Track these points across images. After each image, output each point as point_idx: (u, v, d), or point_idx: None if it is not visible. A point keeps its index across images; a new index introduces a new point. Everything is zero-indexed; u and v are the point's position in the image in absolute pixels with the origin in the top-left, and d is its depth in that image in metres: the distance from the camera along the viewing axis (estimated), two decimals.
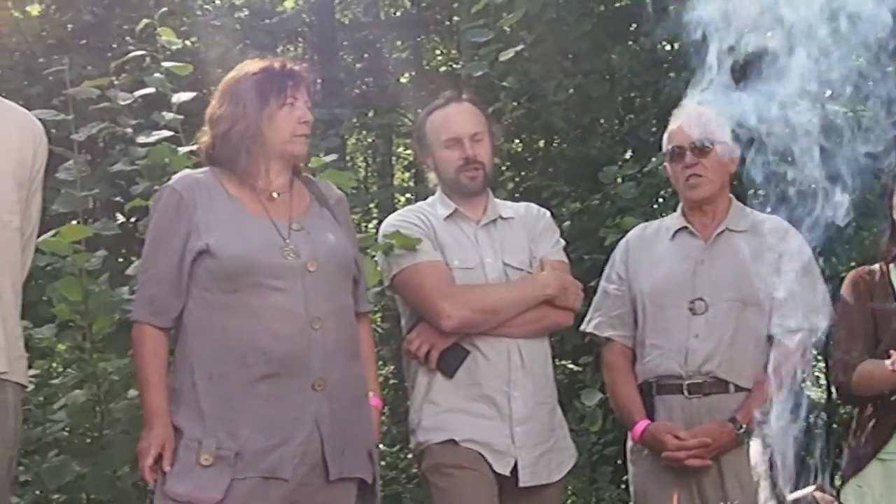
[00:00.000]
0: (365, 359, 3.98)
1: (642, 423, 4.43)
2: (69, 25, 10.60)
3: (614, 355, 4.61)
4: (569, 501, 8.01)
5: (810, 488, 2.80)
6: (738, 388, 4.34)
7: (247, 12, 13.10)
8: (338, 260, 3.85)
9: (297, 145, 3.89)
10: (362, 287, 4.07)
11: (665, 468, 4.38)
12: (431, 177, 4.66)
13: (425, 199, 4.78)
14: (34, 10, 10.64)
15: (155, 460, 3.67)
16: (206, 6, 12.87)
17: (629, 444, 4.60)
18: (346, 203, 4.13)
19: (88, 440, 5.05)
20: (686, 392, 4.37)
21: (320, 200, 3.98)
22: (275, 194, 3.87)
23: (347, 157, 12.77)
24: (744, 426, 4.24)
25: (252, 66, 3.92)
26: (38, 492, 5.10)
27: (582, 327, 4.70)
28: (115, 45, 9.74)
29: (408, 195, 9.92)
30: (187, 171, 4.10)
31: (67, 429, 5.03)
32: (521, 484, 4.32)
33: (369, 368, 4.04)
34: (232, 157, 3.85)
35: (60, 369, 5.22)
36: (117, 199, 7.39)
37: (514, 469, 4.33)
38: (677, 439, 4.31)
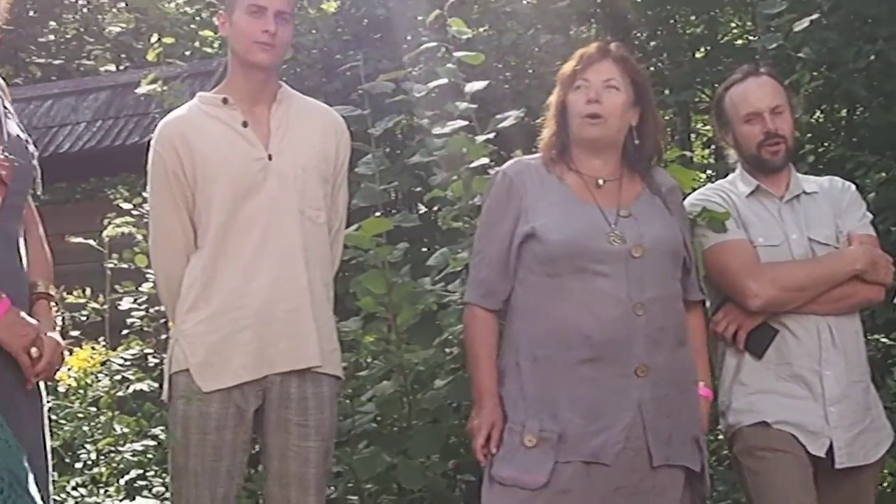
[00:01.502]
0: (695, 348, 3.92)
1: None
2: (364, 21, 10.79)
3: None
4: (885, 482, 7.70)
5: None
6: None
7: None
8: (664, 247, 3.80)
9: None
10: (693, 275, 4.00)
11: None
12: (731, 154, 4.54)
13: (725, 176, 4.65)
14: (329, 7, 10.87)
15: (485, 440, 3.71)
16: None
17: None
18: (679, 191, 4.08)
19: (397, 430, 5.12)
20: None
21: (652, 188, 3.94)
22: (601, 181, 3.85)
23: None
24: None
25: None
26: (349, 483, 5.20)
27: None
28: (408, 38, 9.85)
29: (708, 172, 9.72)
30: (520, 156, 4.12)
31: (376, 420, 5.11)
32: (837, 465, 4.17)
33: (700, 358, 3.96)
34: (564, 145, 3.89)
35: (368, 361, 5.30)
36: (417, 188, 7.49)
37: (829, 450, 4.17)
38: None
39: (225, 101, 3.97)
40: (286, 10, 3.95)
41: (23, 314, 3.23)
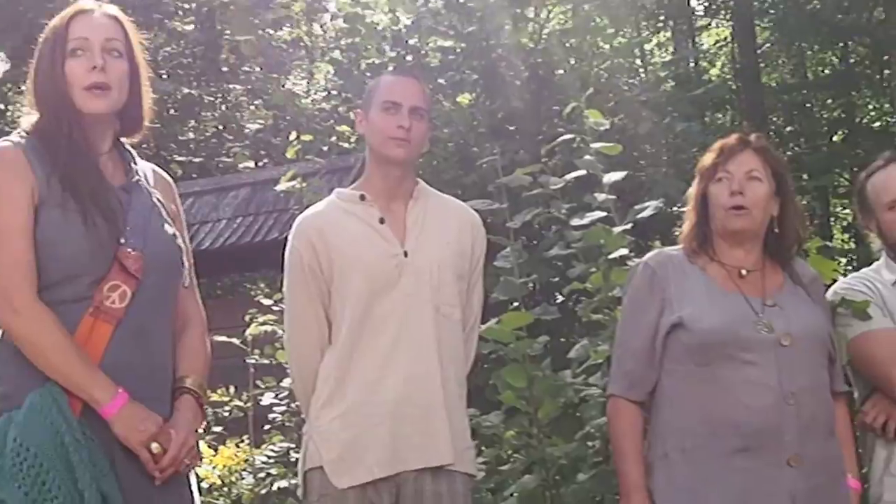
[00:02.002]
0: (842, 439, 3.85)
1: None
2: (499, 113, 10.86)
3: None
4: None
5: None
6: None
7: (672, 84, 13.11)
8: (812, 336, 3.76)
9: None
10: (838, 365, 3.93)
11: None
12: (874, 241, 4.44)
13: (867, 262, 4.56)
14: (465, 100, 10.98)
15: None
16: (631, 81, 12.95)
17: None
18: (821, 281, 4.04)
19: None
20: None
21: (793, 278, 3.91)
22: (744, 271, 3.83)
23: None
24: None
25: None
26: None
27: None
28: (544, 128, 9.89)
29: (849, 256, 9.56)
30: (661, 247, 4.10)
31: None
32: None
33: (847, 448, 3.89)
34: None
35: (509, 455, 5.26)
36: (555, 279, 7.46)
37: None
38: None
39: (362, 197, 3.99)
40: (421, 106, 3.97)
41: (143, 409, 3.24)
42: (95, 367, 3.17)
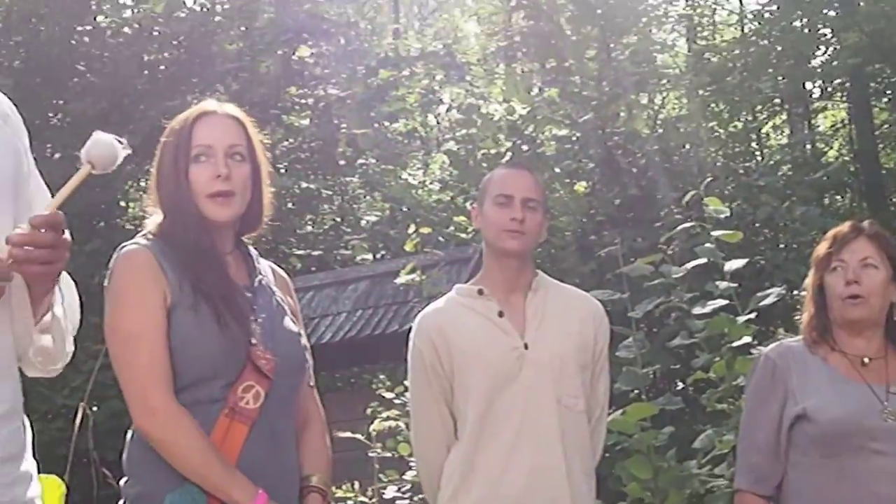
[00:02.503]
0: None
1: None
2: (616, 200, 10.86)
3: None
4: None
5: None
6: None
7: (789, 167, 13.00)
8: None
9: None
10: None
11: None
12: None
13: None
14: (581, 188, 10.99)
15: None
16: (747, 165, 12.89)
17: None
18: None
19: None
20: None
21: None
22: (866, 360, 3.78)
23: None
24: None
25: None
26: None
27: None
28: (662, 215, 9.87)
29: None
30: (783, 340, 4.07)
31: None
32: None
33: None
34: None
35: None
36: (677, 367, 7.40)
37: None
38: None
39: (480, 291, 4.01)
40: (534, 198, 3.99)
41: None
42: (233, 467, 3.20)
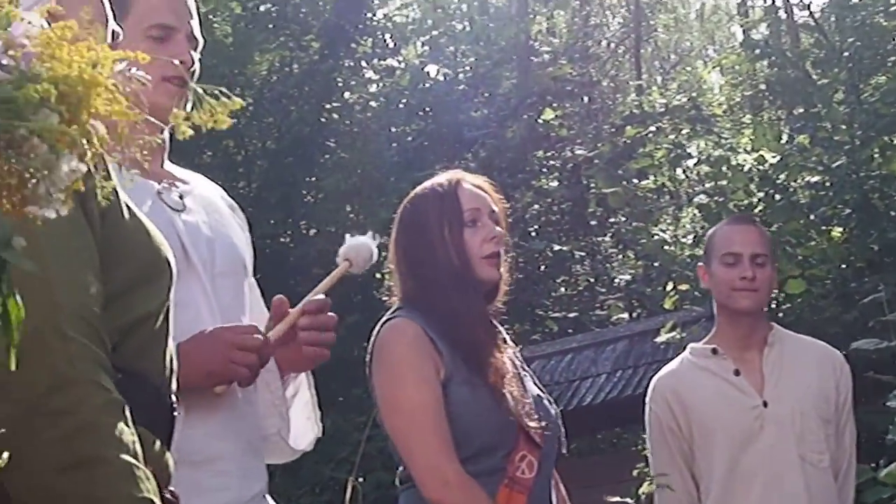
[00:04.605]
0: None
1: None
2: (875, 245, 10.57)
3: None
4: None
5: None
6: None
7: None
8: None
9: None
10: None
11: None
12: None
13: None
14: (837, 234, 10.74)
15: None
16: None
17: None
18: None
19: None
20: None
21: None
22: None
23: None
24: None
25: None
26: None
27: None
28: None
29: None
30: None
31: None
32: None
33: None
34: None
35: None
36: None
37: None
38: None
39: (714, 351, 4.00)
40: (762, 252, 3.97)
41: None
42: None
